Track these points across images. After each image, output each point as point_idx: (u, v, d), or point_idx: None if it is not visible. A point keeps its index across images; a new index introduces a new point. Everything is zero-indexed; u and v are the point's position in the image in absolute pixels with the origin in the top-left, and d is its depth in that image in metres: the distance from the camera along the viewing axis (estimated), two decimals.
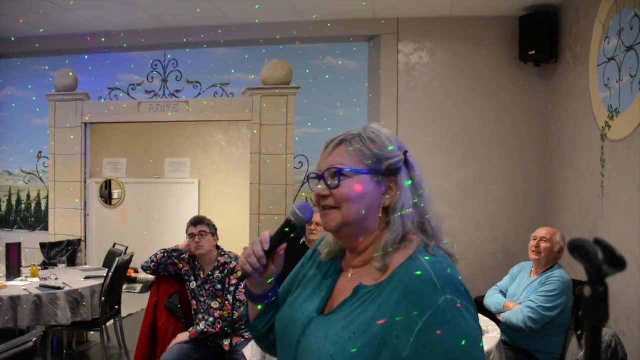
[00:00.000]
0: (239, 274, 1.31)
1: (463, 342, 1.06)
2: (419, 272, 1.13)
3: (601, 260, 0.67)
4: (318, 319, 1.23)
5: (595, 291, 0.66)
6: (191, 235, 3.83)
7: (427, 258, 1.16)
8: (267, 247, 1.28)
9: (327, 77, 5.48)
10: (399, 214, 1.21)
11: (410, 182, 1.25)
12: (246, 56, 5.68)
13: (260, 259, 1.27)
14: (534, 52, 4.81)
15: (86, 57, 6.04)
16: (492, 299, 3.83)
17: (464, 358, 1.06)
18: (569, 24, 4.56)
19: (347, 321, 1.16)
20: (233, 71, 5.68)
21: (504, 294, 3.89)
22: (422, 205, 1.26)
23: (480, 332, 1.11)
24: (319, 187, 1.26)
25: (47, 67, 6.17)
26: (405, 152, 1.28)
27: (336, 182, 1.22)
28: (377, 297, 1.16)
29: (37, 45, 6.02)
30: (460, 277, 1.17)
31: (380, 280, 1.18)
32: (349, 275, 1.28)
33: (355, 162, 1.23)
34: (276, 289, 1.40)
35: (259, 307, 1.39)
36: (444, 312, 1.07)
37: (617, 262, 0.66)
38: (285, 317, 1.31)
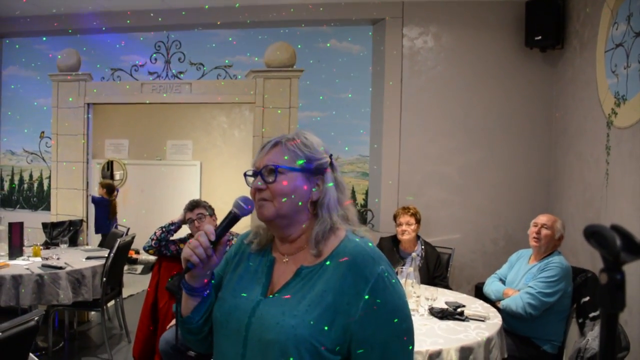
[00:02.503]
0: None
1: (400, 302, 1.32)
2: (357, 249, 1.35)
3: (619, 246, 0.65)
4: (266, 301, 1.37)
5: (612, 279, 0.65)
6: (190, 221, 3.84)
7: (357, 239, 1.39)
8: (212, 238, 1.38)
9: (329, 48, 5.44)
10: (326, 207, 1.40)
11: (332, 182, 1.43)
12: (250, 38, 5.63)
13: (206, 249, 1.37)
14: (539, 37, 4.77)
15: (89, 36, 6.00)
16: (491, 287, 3.83)
17: (402, 314, 1.31)
18: (576, 9, 4.51)
19: (299, 296, 1.33)
20: (236, 52, 5.65)
21: (503, 282, 3.89)
22: (344, 200, 1.46)
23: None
24: (258, 183, 1.40)
25: (49, 47, 6.13)
26: (330, 156, 1.47)
27: (272, 178, 1.38)
28: (322, 273, 1.34)
29: (40, 25, 5.99)
30: None
31: (321, 260, 1.37)
32: (284, 261, 1.44)
33: (289, 161, 1.39)
34: (211, 281, 1.48)
35: (193, 299, 1.47)
36: (383, 279, 1.30)
37: (636, 249, 0.65)
38: (229, 305, 1.41)
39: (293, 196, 1.38)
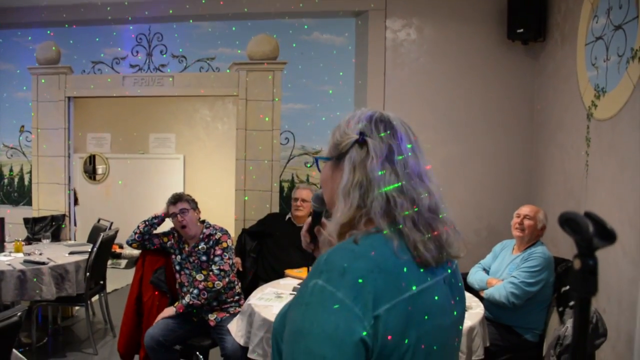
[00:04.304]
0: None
1: (310, 329, 1.00)
2: (324, 255, 1.09)
3: (592, 233, 0.67)
4: None
5: (585, 264, 0.67)
6: (173, 215, 3.82)
7: (343, 244, 1.11)
8: (306, 227, 1.46)
9: (312, 40, 5.43)
10: (338, 199, 1.18)
11: (349, 167, 1.18)
12: (233, 29, 5.60)
13: (304, 236, 1.46)
14: (521, 30, 4.79)
15: (69, 29, 5.92)
16: (475, 276, 3.88)
17: (303, 344, 1.00)
18: (557, 2, 4.54)
19: None
20: (219, 45, 5.62)
21: (487, 272, 3.94)
22: (373, 191, 1.15)
23: (343, 330, 0.98)
24: None
25: (29, 40, 6.04)
26: (361, 133, 1.20)
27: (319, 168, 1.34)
28: None
29: (19, 17, 5.90)
30: (366, 270, 1.04)
31: None
32: None
33: (326, 150, 1.29)
34: None
35: None
36: (309, 294, 1.03)
37: (608, 235, 0.67)
38: None
39: (325, 187, 1.28)
